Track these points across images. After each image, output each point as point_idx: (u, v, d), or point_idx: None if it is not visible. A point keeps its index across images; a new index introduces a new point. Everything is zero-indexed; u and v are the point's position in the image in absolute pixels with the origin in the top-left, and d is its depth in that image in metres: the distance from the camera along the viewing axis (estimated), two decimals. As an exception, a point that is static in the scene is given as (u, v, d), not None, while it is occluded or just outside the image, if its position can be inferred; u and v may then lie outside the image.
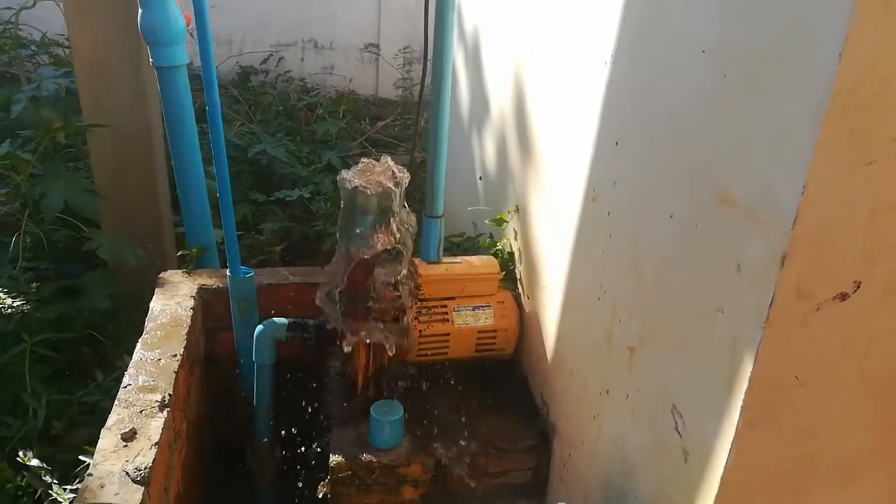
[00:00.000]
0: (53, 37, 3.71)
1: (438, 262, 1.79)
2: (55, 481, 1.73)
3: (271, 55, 5.54)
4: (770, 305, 0.92)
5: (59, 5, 3.11)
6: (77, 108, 2.50)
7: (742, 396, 0.98)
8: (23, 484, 1.82)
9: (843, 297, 0.93)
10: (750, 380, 0.97)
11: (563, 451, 1.66)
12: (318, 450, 1.71)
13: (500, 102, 2.06)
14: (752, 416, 1.00)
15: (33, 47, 2.92)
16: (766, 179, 0.92)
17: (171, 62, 1.80)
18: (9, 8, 3.95)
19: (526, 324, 1.86)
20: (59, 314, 2.22)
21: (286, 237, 3.29)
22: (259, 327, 1.74)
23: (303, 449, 1.74)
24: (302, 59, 5.69)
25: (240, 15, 5.34)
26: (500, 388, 1.87)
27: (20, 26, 3.34)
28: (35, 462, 1.77)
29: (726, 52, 1.00)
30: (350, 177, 1.55)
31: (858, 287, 0.92)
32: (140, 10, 1.78)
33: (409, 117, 5.01)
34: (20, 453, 1.78)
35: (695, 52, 1.07)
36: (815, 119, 0.83)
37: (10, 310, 1.95)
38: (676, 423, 1.15)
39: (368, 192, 1.54)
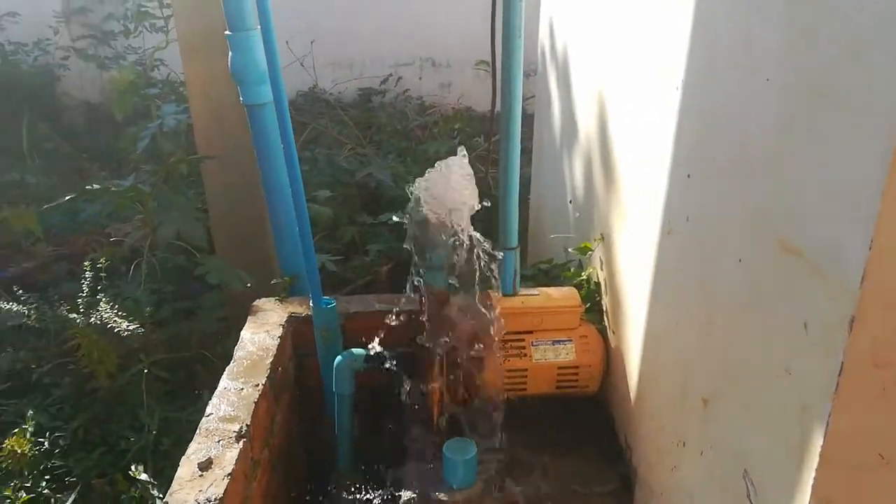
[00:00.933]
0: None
1: (515, 294, 1.74)
2: (160, 496, 1.85)
3: (390, 75, 5.70)
4: (840, 373, 0.80)
5: (185, 45, 3.38)
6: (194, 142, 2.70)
7: (813, 473, 0.86)
8: (136, 496, 1.97)
9: (932, 367, 0.79)
10: (821, 455, 0.85)
11: (644, 499, 1.55)
12: (393, 483, 1.70)
13: (586, 125, 1.98)
14: (827, 497, 0.87)
15: (160, 86, 3.19)
16: (830, 230, 0.80)
17: (256, 100, 1.89)
18: (152, 48, 4.35)
19: (612, 359, 1.76)
20: (173, 335, 2.39)
21: (393, 258, 3.35)
22: (338, 358, 1.77)
23: (380, 479, 1.75)
24: (420, 78, 5.81)
25: (359, 38, 5.54)
26: (583, 426, 1.78)
27: (156, 63, 3.66)
28: (144, 476, 1.91)
29: (789, 82, 0.89)
30: (420, 191, 1.54)
31: (950, 356, 0.78)
32: (230, 53, 1.88)
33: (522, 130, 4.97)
34: (132, 467, 1.92)
35: (759, 80, 0.96)
36: (882, 165, 0.71)
37: (127, 332, 2.11)
38: (748, 490, 1.04)
39: (437, 221, 1.53)
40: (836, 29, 0.79)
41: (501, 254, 1.66)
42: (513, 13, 1.47)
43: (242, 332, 1.90)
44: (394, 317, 1.79)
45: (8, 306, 2.13)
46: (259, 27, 1.84)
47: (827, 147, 0.81)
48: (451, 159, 1.55)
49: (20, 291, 2.29)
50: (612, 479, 1.63)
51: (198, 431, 1.53)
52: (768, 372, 0.96)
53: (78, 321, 2.18)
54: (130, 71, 3.60)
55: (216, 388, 2.35)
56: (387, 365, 1.73)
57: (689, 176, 1.23)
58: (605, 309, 1.82)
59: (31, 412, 2.17)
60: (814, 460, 0.86)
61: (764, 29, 0.96)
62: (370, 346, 1.72)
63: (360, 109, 5.29)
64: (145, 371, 2.24)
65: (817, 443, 0.85)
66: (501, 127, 1.62)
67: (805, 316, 0.86)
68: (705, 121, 1.16)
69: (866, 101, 0.73)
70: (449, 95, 5.78)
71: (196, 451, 1.47)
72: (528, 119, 3.04)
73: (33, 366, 2.61)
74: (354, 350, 1.78)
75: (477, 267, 1.59)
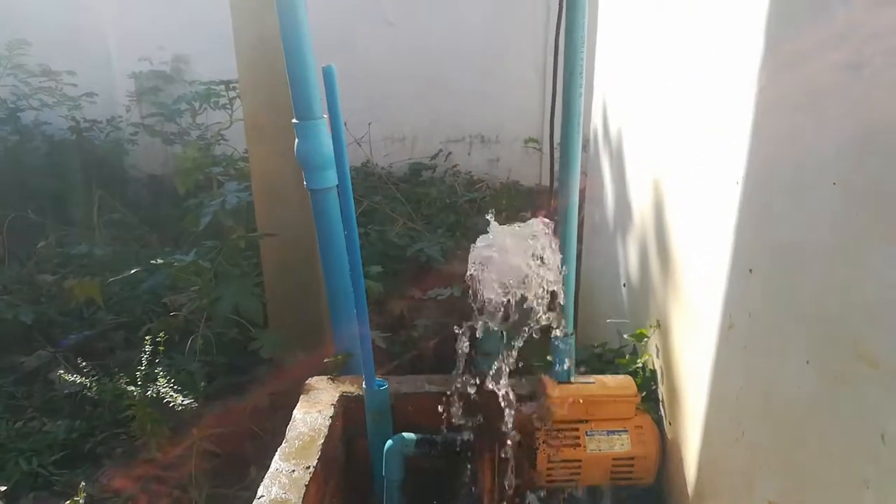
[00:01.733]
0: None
1: (569, 381, 1.72)
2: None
3: (440, 151, 5.84)
4: (922, 492, 0.77)
5: (248, 125, 3.55)
6: (255, 218, 2.80)
7: None
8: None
9: None
10: (905, 580, 0.80)
11: None
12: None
13: (640, 208, 1.98)
14: None
15: (223, 163, 3.33)
16: (907, 340, 0.78)
17: (321, 185, 1.95)
18: (216, 123, 4.58)
19: (668, 451, 1.70)
20: (225, 409, 2.42)
21: (439, 332, 3.35)
22: (388, 443, 1.76)
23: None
24: (469, 153, 5.94)
25: (412, 115, 5.73)
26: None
27: (218, 140, 3.84)
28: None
29: (856, 186, 0.88)
30: (478, 263, 1.55)
31: None
32: (297, 140, 1.96)
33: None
34: (178, 544, 1.92)
35: (825, 182, 0.96)
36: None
37: (180, 407, 2.15)
38: None
39: (493, 308, 1.53)
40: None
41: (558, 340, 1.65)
42: (573, 92, 1.50)
43: (294, 412, 1.92)
44: (446, 401, 1.79)
45: (71, 378, 2.19)
46: (326, 115, 1.93)
47: (899, 255, 0.80)
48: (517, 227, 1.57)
49: (81, 361, 2.36)
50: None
51: (249, 514, 1.53)
52: (844, 482, 0.92)
53: (134, 392, 2.22)
54: (194, 148, 3.78)
55: (265, 464, 2.36)
56: (440, 450, 1.71)
57: (750, 271, 1.22)
58: (661, 398, 1.78)
59: (82, 483, 2.20)
60: (897, 585, 0.81)
61: (825, 129, 0.96)
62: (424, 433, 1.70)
63: (410, 184, 5.41)
64: (195, 445, 2.26)
65: (901, 566, 0.80)
66: (559, 205, 1.64)
67: (883, 426, 0.83)
68: (766, 216, 1.16)
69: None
70: (497, 170, 5.89)
71: (246, 535, 1.46)
72: (580, 193, 3.05)
73: (87, 435, 2.67)
74: (405, 435, 1.77)
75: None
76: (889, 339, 0.83)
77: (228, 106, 3.50)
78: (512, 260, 1.52)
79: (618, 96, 2.30)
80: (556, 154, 1.75)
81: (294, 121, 1.96)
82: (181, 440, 2.35)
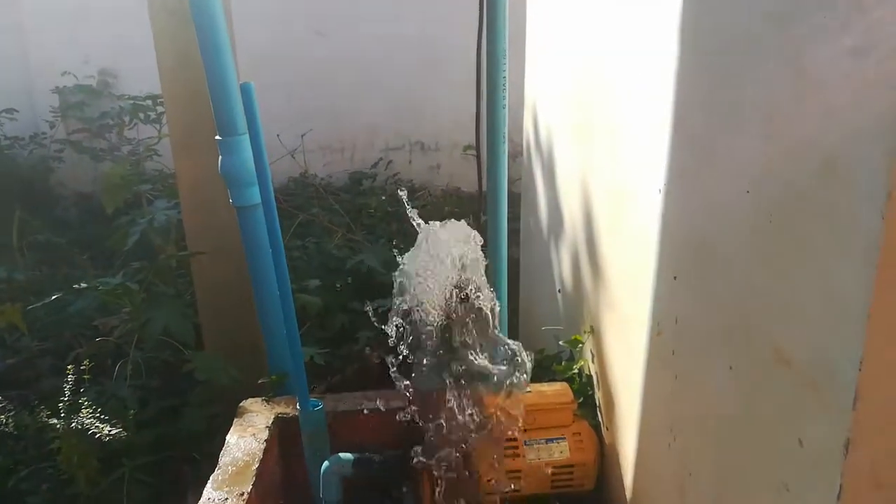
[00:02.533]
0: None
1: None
2: None
3: (380, 159, 5.80)
4: (839, 494, 0.77)
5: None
6: (184, 236, 2.71)
7: None
8: None
9: (933, 487, 0.76)
10: (827, 581, 0.81)
11: None
12: None
13: (571, 214, 1.99)
14: None
15: (153, 180, 3.23)
16: (821, 343, 0.79)
17: (247, 202, 1.90)
18: (148, 138, 4.43)
19: (607, 456, 1.71)
20: (159, 435, 2.32)
21: (383, 344, 3.31)
22: (325, 464, 1.71)
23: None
24: (410, 161, 5.92)
25: (350, 123, 5.67)
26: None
27: (149, 154, 3.71)
28: None
29: (769, 192, 0.90)
30: (407, 276, 1.53)
31: (951, 476, 0.75)
32: (220, 156, 1.90)
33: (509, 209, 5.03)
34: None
35: (739, 190, 0.97)
36: (867, 280, 0.71)
37: (108, 437, 2.05)
38: None
39: (428, 318, 1.51)
40: (813, 147, 0.80)
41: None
42: (496, 103, 1.50)
43: (228, 437, 1.85)
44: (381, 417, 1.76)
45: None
46: (248, 132, 1.88)
47: (811, 258, 0.81)
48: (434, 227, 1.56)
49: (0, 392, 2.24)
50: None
51: (179, 549, 1.46)
52: (767, 486, 0.93)
53: (58, 425, 2.12)
54: (122, 165, 3.65)
55: (202, 490, 2.27)
56: (378, 470, 1.68)
57: (675, 278, 1.23)
58: (598, 404, 1.79)
59: (5, 523, 2.08)
60: (820, 586, 0.81)
61: (743, 139, 0.97)
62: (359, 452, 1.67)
63: (351, 193, 5.35)
64: (127, 476, 2.17)
65: (822, 567, 0.81)
66: (488, 209, 1.63)
67: (799, 431, 0.84)
68: (689, 223, 1.17)
69: (849, 219, 0.74)
70: (438, 177, 5.88)
71: (176, 571, 1.39)
72: (515, 199, 3.07)
73: (9, 471, 2.52)
74: (342, 455, 1.73)
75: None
76: (801, 343, 0.84)
77: (157, 121, 3.38)
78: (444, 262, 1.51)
79: (547, 103, 2.31)
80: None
81: (217, 137, 1.90)
82: (112, 471, 2.24)
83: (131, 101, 3.64)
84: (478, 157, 1.66)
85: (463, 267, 1.54)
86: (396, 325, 1.59)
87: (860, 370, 0.72)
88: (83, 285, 2.39)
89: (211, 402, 2.53)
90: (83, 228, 4.91)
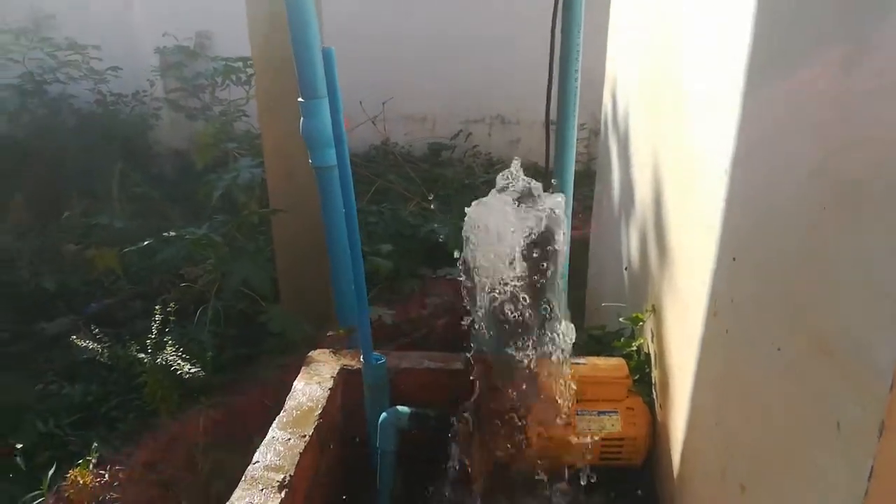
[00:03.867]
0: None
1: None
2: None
3: (460, 131, 5.84)
4: (870, 476, 0.78)
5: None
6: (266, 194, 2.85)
7: (845, 578, 0.83)
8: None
9: (968, 478, 0.76)
10: (853, 561, 0.82)
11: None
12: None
13: (642, 194, 1.99)
14: None
15: (239, 139, 3.39)
16: (860, 333, 0.80)
17: (325, 163, 1.99)
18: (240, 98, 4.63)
19: (658, 434, 1.73)
20: (232, 380, 2.49)
21: (450, 311, 3.39)
22: (383, 415, 1.80)
23: (419, 540, 1.76)
24: (489, 134, 5.93)
25: (432, 95, 5.72)
26: (626, 498, 1.74)
27: (237, 115, 3.89)
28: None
29: (826, 180, 0.89)
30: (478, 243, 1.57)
31: None
32: (302, 118, 2.00)
33: (585, 185, 4.99)
34: (183, 505, 1.99)
35: (800, 175, 0.97)
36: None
37: (188, 375, 2.22)
38: (783, 589, 1.00)
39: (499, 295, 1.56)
40: (870, 143, 0.80)
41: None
42: (569, 76, 1.51)
43: (295, 383, 1.97)
44: (440, 377, 1.83)
45: (84, 343, 2.27)
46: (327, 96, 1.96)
47: (860, 250, 0.80)
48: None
49: (96, 329, 2.44)
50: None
51: (243, 479, 1.59)
52: (803, 467, 0.94)
53: (145, 360, 2.30)
54: (214, 124, 3.84)
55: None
56: (433, 425, 1.76)
57: (734, 259, 1.23)
58: (653, 382, 1.80)
59: (95, 444, 2.28)
60: (846, 565, 0.83)
61: (804, 126, 0.97)
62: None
63: (429, 163, 5.43)
64: (203, 413, 2.33)
65: (849, 548, 0.82)
66: (555, 182, 1.65)
67: (837, 415, 0.85)
68: (749, 207, 1.16)
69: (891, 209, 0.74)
70: (517, 151, 5.86)
71: (240, 497, 1.52)
72: (591, 177, 3.04)
73: (102, 400, 2.76)
74: (399, 408, 1.81)
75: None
76: (842, 331, 0.84)
77: (247, 83, 3.54)
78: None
79: (625, 81, 2.29)
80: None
81: (300, 99, 1.99)
82: (190, 408, 2.42)
83: (224, 63, 3.80)
84: (546, 129, 1.68)
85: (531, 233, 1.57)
86: (465, 286, 1.64)
87: (899, 357, 0.72)
88: (172, 234, 2.56)
89: (281, 354, 2.68)
90: (176, 183, 5.20)
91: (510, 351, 1.64)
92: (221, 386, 2.46)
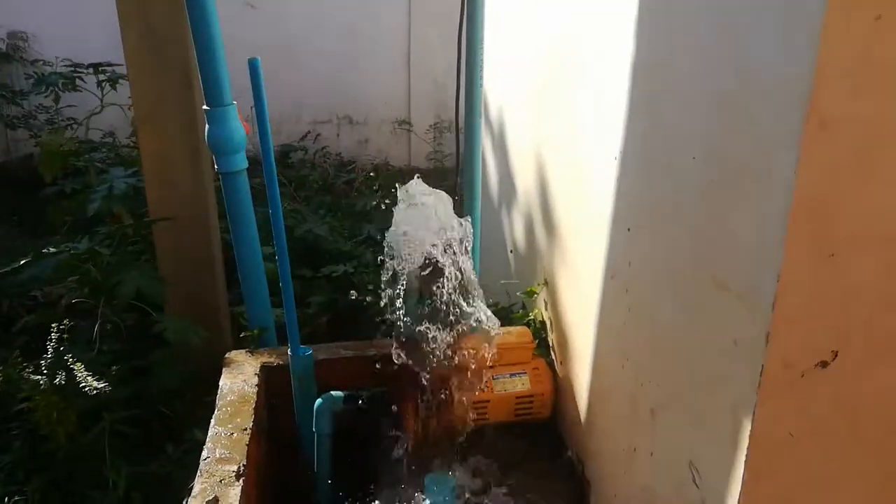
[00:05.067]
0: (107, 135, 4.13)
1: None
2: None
3: (308, 132, 5.90)
4: (761, 374, 1.09)
5: (123, 109, 3.47)
6: (143, 204, 2.79)
7: (745, 453, 1.14)
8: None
9: (824, 364, 1.09)
10: (750, 437, 1.12)
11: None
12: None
13: (525, 184, 2.27)
14: (756, 469, 1.15)
15: (103, 150, 3.26)
16: (750, 269, 1.10)
17: (232, 168, 2.06)
18: (70, 106, 4.36)
19: (560, 388, 2.02)
20: (133, 392, 2.45)
21: (331, 309, 3.51)
22: (318, 401, 1.93)
23: (360, 512, 1.91)
24: (338, 135, 6.04)
25: (277, 98, 5.68)
26: (539, 448, 2.02)
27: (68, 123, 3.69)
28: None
29: (712, 161, 1.20)
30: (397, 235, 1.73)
31: (836, 356, 1.08)
32: (207, 126, 2.05)
33: (441, 184, 5.28)
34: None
35: (688, 158, 1.27)
36: (782, 220, 1.01)
37: (94, 391, 2.17)
38: (694, 476, 1.30)
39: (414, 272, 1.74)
40: (751, 126, 1.11)
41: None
42: (474, 83, 1.74)
43: (221, 382, 2.03)
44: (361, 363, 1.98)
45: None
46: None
47: (745, 208, 1.11)
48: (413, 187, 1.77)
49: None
50: (567, 490, 1.87)
51: (199, 473, 1.65)
52: (707, 381, 1.24)
53: (40, 382, 2.21)
54: (60, 133, 3.63)
55: (179, 441, 2.43)
56: (365, 404, 1.91)
57: (629, 229, 1.53)
58: (551, 344, 2.09)
59: (-14, 479, 2.16)
60: (745, 442, 1.13)
61: (689, 116, 1.27)
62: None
63: (280, 166, 5.44)
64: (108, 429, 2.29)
65: (747, 428, 1.13)
66: (465, 180, 1.87)
67: (734, 335, 1.15)
68: (642, 184, 1.46)
69: (765, 176, 1.04)
70: (366, 151, 6.05)
71: (201, 491, 1.59)
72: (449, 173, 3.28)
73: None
74: (333, 392, 1.95)
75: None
76: (736, 271, 1.15)
77: (99, 90, 3.39)
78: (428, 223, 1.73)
79: (497, 79, 2.57)
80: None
81: (205, 107, 2.04)
82: (89, 427, 2.35)
83: (69, 69, 3.60)
84: (457, 131, 1.89)
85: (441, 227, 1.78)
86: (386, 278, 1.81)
87: (777, 282, 1.03)
88: (51, 249, 2.45)
89: (178, 362, 2.66)
90: (2, 199, 4.77)
91: (432, 330, 1.85)
92: (122, 400, 2.41)
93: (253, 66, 1.62)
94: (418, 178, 1.76)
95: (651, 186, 1.42)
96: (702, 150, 1.23)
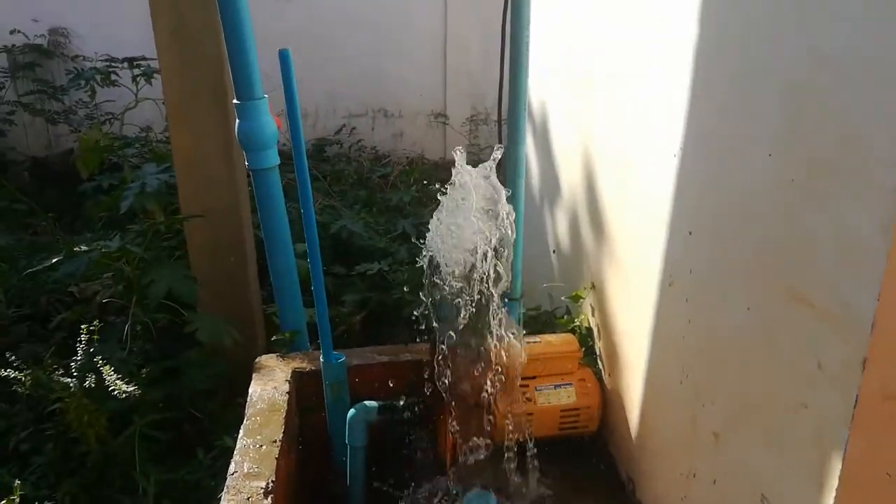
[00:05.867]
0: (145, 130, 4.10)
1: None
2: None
3: (344, 126, 5.83)
4: (855, 404, 0.95)
5: (157, 104, 3.42)
6: (176, 199, 2.73)
7: (833, 493, 1.00)
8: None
9: (931, 397, 0.94)
10: (840, 477, 0.98)
11: (652, 530, 1.66)
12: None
13: (570, 181, 2.14)
14: (844, 512, 1.01)
15: (136, 145, 3.21)
16: (838, 283, 0.96)
17: (264, 165, 1.97)
18: (108, 101, 4.36)
19: (608, 400, 1.89)
20: (163, 395, 2.39)
21: (365, 307, 3.42)
22: (351, 411, 1.83)
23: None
24: (373, 128, 5.96)
25: (311, 91, 5.65)
26: (585, 464, 1.89)
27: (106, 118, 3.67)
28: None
29: (791, 158, 1.05)
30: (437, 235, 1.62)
31: (946, 388, 0.94)
32: (237, 121, 1.96)
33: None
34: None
35: (761, 155, 1.12)
36: (884, 230, 0.87)
37: (124, 394, 2.11)
38: (767, 512, 1.17)
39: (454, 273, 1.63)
40: (833, 119, 0.96)
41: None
42: (520, 70, 1.61)
43: (251, 389, 1.94)
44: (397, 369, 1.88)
45: (6, 373, 2.10)
46: (266, 96, 1.94)
47: (832, 213, 0.96)
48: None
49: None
50: (617, 512, 1.74)
51: (226, 490, 1.57)
52: (784, 406, 1.10)
53: (71, 384, 2.16)
54: (96, 129, 3.60)
55: (209, 446, 2.36)
56: (401, 415, 1.81)
57: (690, 233, 1.38)
58: (598, 353, 1.96)
59: (17, 482, 2.12)
60: (833, 481, 0.99)
61: (765, 108, 1.12)
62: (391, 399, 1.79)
63: (316, 160, 5.38)
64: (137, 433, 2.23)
65: (836, 466, 0.98)
66: (507, 176, 1.74)
67: (818, 356, 1.01)
68: (706, 184, 1.32)
69: (865, 179, 0.90)
70: (401, 144, 5.96)
71: (228, 509, 1.50)
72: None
73: (6, 433, 2.53)
74: (367, 403, 1.85)
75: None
76: (819, 283, 1.00)
77: (134, 85, 3.36)
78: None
79: (543, 72, 2.43)
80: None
81: (235, 101, 1.95)
82: (119, 430, 2.30)
83: (105, 63, 3.57)
84: (499, 123, 1.77)
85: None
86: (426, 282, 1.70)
87: (878, 301, 0.88)
88: (84, 248, 2.40)
89: (210, 363, 2.60)
90: (42, 194, 4.79)
91: (472, 337, 1.73)
92: (153, 403, 2.35)
93: (283, 56, 1.52)
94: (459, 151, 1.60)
95: (716, 186, 1.28)
96: (778, 145, 1.09)
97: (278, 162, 2.04)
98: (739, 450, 1.25)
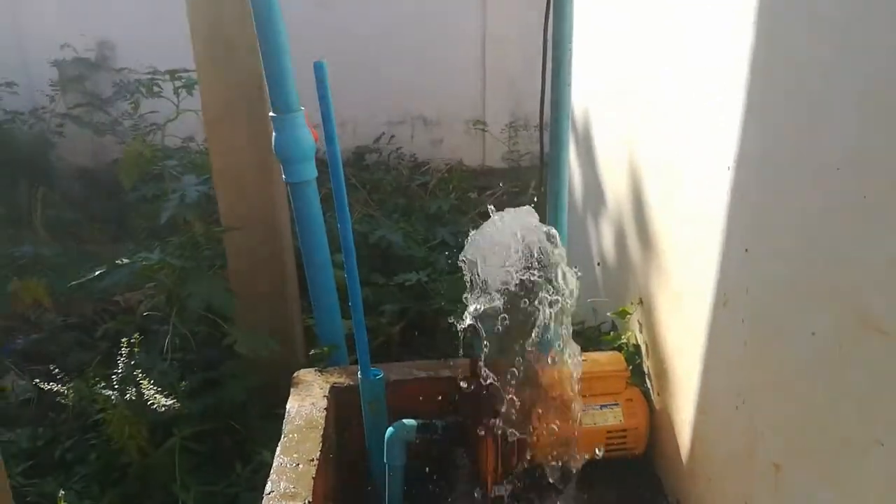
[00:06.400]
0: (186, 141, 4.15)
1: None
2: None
3: (383, 133, 5.82)
4: (941, 446, 0.86)
5: (197, 115, 3.45)
6: (215, 210, 2.74)
7: (912, 540, 0.91)
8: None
9: None
10: (920, 523, 0.90)
11: (705, 561, 1.58)
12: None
13: (615, 192, 2.06)
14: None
15: (176, 157, 3.25)
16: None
17: (300, 178, 1.94)
18: (153, 112, 4.42)
19: (656, 422, 1.81)
20: (202, 407, 2.38)
21: (404, 317, 3.39)
22: (389, 430, 1.79)
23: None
24: (412, 136, 5.94)
25: (350, 99, 5.64)
26: (631, 488, 1.81)
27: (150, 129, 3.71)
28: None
29: (864, 172, 0.97)
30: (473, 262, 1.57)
31: None
32: (274, 134, 1.94)
33: (516, 184, 5.07)
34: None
35: (829, 169, 1.04)
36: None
37: (163, 408, 2.11)
38: (835, 555, 1.08)
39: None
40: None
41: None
42: (562, 80, 1.55)
43: (288, 405, 1.92)
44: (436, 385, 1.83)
45: (50, 386, 2.12)
46: (303, 109, 1.92)
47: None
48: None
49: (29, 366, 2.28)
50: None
51: (263, 510, 1.54)
52: (855, 442, 1.01)
53: (112, 396, 2.17)
54: (139, 140, 3.65)
55: (247, 459, 2.35)
56: (441, 434, 1.76)
57: (746, 250, 1.30)
58: (647, 372, 1.88)
59: (62, 492, 2.13)
60: (912, 528, 0.91)
61: (834, 117, 1.04)
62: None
63: (356, 168, 5.38)
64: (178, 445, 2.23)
65: (915, 511, 0.90)
66: (549, 188, 1.69)
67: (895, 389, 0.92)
68: (764, 198, 1.24)
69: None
70: (440, 151, 5.92)
71: (265, 532, 1.47)
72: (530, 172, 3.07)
73: (52, 442, 2.57)
74: (406, 421, 1.80)
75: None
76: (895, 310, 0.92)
77: (178, 94, 3.38)
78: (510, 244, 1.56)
79: (584, 78, 2.36)
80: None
81: (271, 114, 1.93)
82: (160, 441, 2.30)
83: (149, 76, 3.62)
84: (541, 130, 1.72)
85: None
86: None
87: (969, 334, 0.80)
88: (125, 260, 2.42)
89: (248, 375, 2.59)
90: (88, 204, 4.90)
91: (517, 354, 1.67)
92: (193, 415, 2.35)
93: (319, 68, 1.48)
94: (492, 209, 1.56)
95: (777, 201, 1.20)
96: (848, 158, 1.00)
97: (315, 175, 2.01)
98: (803, 484, 1.17)
